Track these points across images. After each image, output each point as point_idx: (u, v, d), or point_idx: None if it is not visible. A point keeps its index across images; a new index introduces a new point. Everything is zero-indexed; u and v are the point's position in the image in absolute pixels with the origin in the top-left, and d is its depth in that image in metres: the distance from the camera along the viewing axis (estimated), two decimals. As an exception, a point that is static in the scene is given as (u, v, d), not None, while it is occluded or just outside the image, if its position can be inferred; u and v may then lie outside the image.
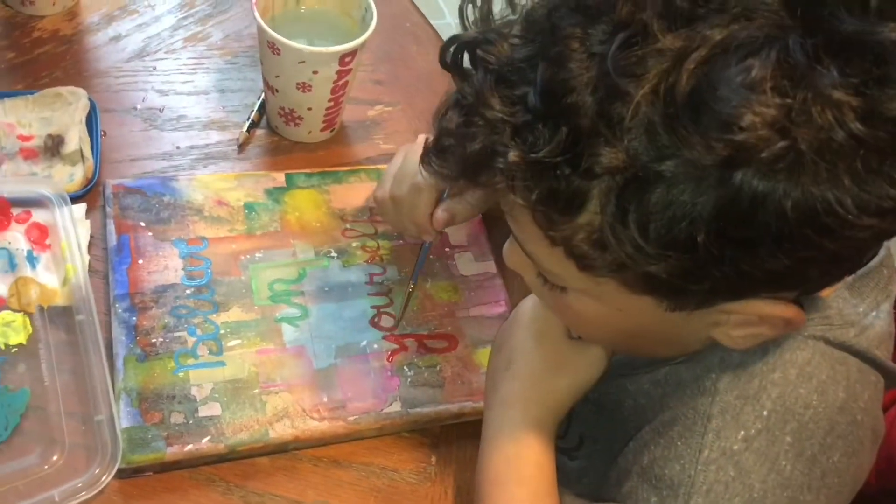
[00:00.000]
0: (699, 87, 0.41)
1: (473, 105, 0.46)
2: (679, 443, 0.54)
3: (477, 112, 0.46)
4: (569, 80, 0.43)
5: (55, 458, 0.63)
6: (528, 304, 0.66)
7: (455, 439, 0.71)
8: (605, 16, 0.43)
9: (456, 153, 0.48)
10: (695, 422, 0.54)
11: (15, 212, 0.74)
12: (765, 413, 0.52)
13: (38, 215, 0.74)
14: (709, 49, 0.41)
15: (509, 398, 0.62)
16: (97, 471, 0.62)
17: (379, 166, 0.85)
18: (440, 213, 0.71)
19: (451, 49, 0.49)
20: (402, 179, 0.72)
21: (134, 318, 0.70)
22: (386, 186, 0.74)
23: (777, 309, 0.50)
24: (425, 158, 0.52)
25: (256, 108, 0.86)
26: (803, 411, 0.52)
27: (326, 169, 0.84)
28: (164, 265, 0.73)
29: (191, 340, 0.70)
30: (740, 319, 0.51)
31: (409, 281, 0.75)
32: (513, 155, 0.44)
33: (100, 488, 0.62)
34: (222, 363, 0.69)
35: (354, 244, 0.79)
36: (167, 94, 0.87)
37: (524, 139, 0.44)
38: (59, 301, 0.70)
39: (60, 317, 0.70)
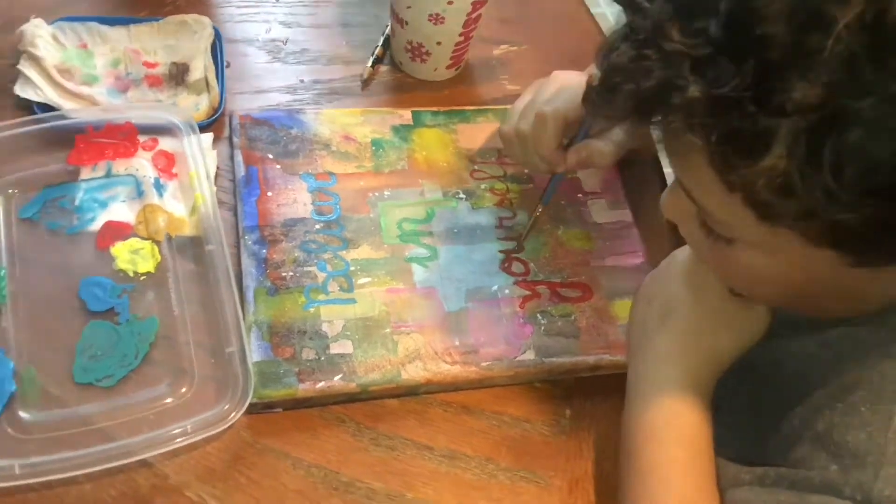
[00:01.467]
0: None
1: (649, 37, 0.43)
2: (863, 408, 0.49)
3: (653, 44, 0.43)
4: (759, 8, 0.39)
5: (184, 389, 0.62)
6: (682, 255, 0.62)
7: (590, 393, 0.68)
8: None
9: (626, 90, 0.45)
10: (882, 387, 0.49)
11: (142, 139, 0.72)
12: None
13: (165, 143, 0.72)
14: None
15: (668, 353, 0.58)
16: (227, 406, 0.60)
17: (506, 106, 0.81)
18: (574, 154, 0.67)
19: None
20: (528, 113, 0.69)
21: (264, 251, 0.68)
22: (512, 121, 0.70)
23: None
24: (589, 97, 0.49)
25: (381, 43, 0.83)
26: None
27: (453, 108, 0.80)
28: (294, 199, 0.71)
29: (321, 276, 0.67)
30: None
31: (538, 203, 0.72)
32: (693, 90, 0.41)
33: (229, 423, 0.60)
34: (353, 300, 0.67)
35: (483, 186, 0.76)
36: (290, 27, 0.84)
37: (705, 73, 0.41)
38: (188, 230, 0.69)
39: (189, 246, 0.68)
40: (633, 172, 0.79)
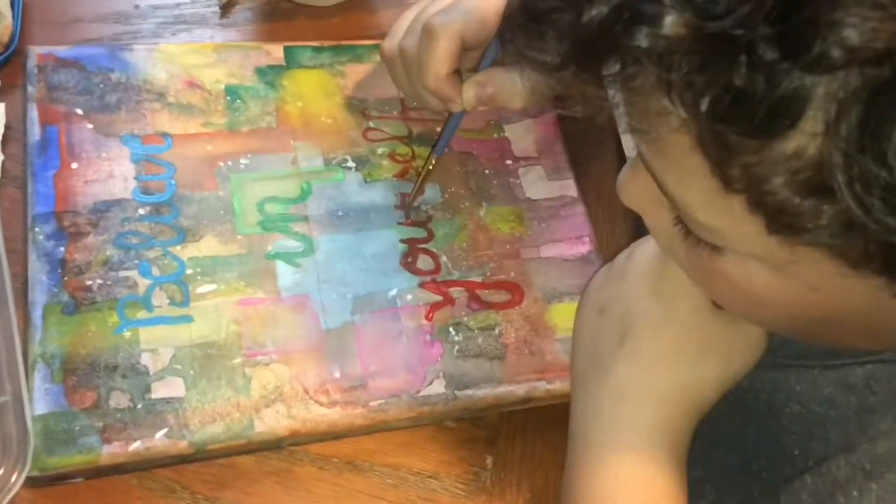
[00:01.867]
0: None
1: None
2: None
3: None
4: None
5: None
6: (646, 249, 0.45)
7: (520, 432, 0.51)
8: None
9: (562, 23, 0.29)
10: None
11: None
12: None
13: None
14: None
15: (629, 389, 0.43)
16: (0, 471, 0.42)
17: (415, 42, 0.61)
18: (473, 86, 0.50)
19: None
20: (416, 27, 0.50)
21: (61, 249, 0.48)
22: (396, 36, 0.52)
23: None
24: (507, 32, 0.32)
25: (247, -45, 0.63)
26: None
27: (342, 43, 0.60)
28: (109, 172, 0.51)
29: (143, 284, 0.48)
30: None
31: (431, 153, 0.54)
32: (673, 23, 0.26)
33: (6, 498, 0.42)
34: (188, 318, 0.48)
35: (380, 150, 0.56)
36: (123, -68, 0.63)
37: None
38: None
39: None
40: (579, 129, 0.60)
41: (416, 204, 0.55)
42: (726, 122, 0.27)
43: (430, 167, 0.55)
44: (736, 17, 0.25)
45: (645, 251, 0.45)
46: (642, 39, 0.26)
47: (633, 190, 0.38)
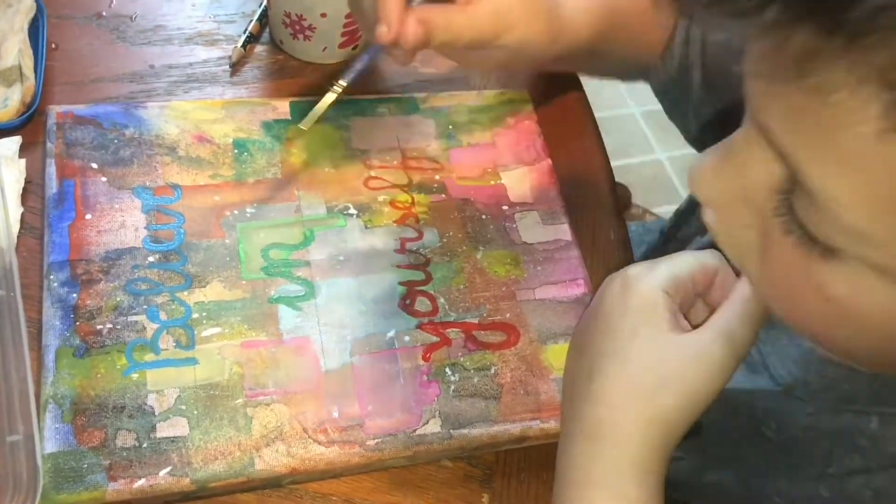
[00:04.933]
0: None
1: None
2: None
3: None
4: None
5: None
6: (616, 286, 0.45)
7: (515, 471, 0.52)
8: None
9: None
10: None
11: None
12: None
13: None
14: None
15: (597, 429, 0.43)
16: None
17: (415, 95, 0.64)
18: (416, 21, 0.47)
19: None
20: None
21: (74, 296, 0.50)
22: None
23: None
24: None
25: (257, 16, 0.66)
26: None
27: (346, 97, 0.63)
28: (121, 222, 0.54)
29: (151, 328, 0.50)
30: None
31: (337, 80, 0.53)
32: None
33: None
34: (193, 360, 0.50)
35: (381, 198, 0.59)
36: (139, -2, 0.66)
37: None
38: None
39: None
40: (574, 174, 0.62)
41: (305, 127, 0.52)
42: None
43: (336, 89, 0.53)
44: None
45: (612, 289, 0.45)
46: None
47: (716, 183, 0.35)
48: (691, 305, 0.45)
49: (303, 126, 0.53)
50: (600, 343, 0.44)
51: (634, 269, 0.45)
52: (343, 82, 0.53)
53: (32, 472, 0.44)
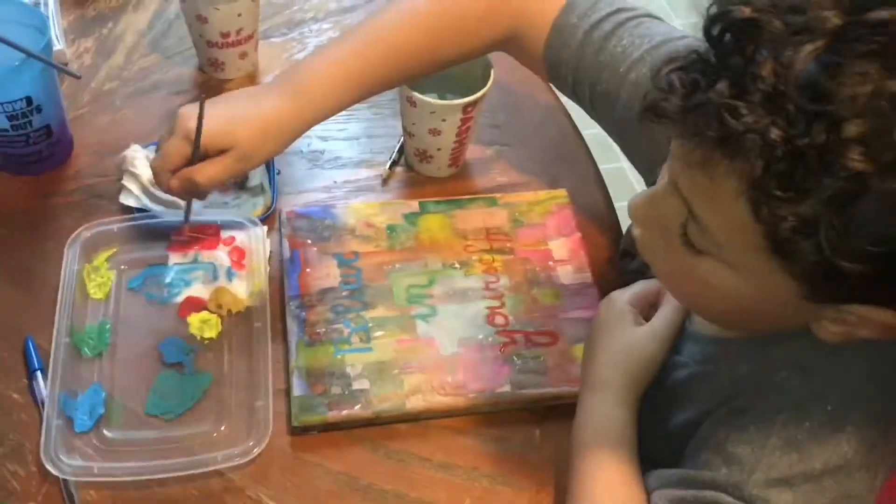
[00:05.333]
0: None
1: (745, 80, 0.46)
2: (752, 427, 0.61)
3: (753, 89, 0.45)
4: (836, 90, 0.43)
5: (223, 428, 0.79)
6: (604, 304, 0.80)
7: (556, 417, 0.82)
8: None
9: (710, 117, 0.46)
10: (764, 413, 0.61)
11: (224, 234, 0.94)
12: (829, 408, 0.58)
13: (239, 237, 0.94)
14: None
15: (594, 382, 0.76)
16: (251, 443, 0.77)
17: (494, 195, 1.02)
18: (174, 179, 0.76)
19: (717, 27, 0.48)
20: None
21: (303, 314, 0.90)
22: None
23: (891, 317, 0.51)
24: (653, 110, 0.51)
25: (396, 149, 1.06)
26: (866, 404, 0.58)
27: (452, 198, 1.01)
28: (326, 273, 0.93)
29: (346, 331, 0.88)
30: (844, 318, 0.53)
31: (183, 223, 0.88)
32: (776, 133, 0.44)
33: (251, 456, 0.77)
34: (370, 349, 0.87)
35: (474, 258, 0.96)
36: (327, 140, 1.07)
37: (792, 123, 0.44)
38: (244, 310, 0.89)
39: (244, 321, 0.86)
40: (594, 244, 0.99)
41: (185, 226, 0.88)
42: (773, 184, 0.44)
43: (184, 227, 0.88)
44: (807, 142, 0.43)
45: (602, 306, 0.79)
46: (751, 141, 0.44)
47: (646, 212, 0.58)
48: (650, 310, 0.80)
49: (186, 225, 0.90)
50: (596, 337, 0.79)
51: (613, 294, 0.80)
52: (185, 224, 0.89)
53: (266, 423, 0.77)
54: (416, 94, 0.94)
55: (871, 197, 0.44)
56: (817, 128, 0.43)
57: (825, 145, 0.43)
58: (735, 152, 0.46)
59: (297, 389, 0.84)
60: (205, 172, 0.76)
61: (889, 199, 0.43)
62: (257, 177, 1.01)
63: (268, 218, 0.98)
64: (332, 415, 0.82)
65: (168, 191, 0.78)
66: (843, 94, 0.43)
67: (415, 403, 0.84)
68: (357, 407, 0.83)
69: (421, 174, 1.04)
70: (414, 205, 1.00)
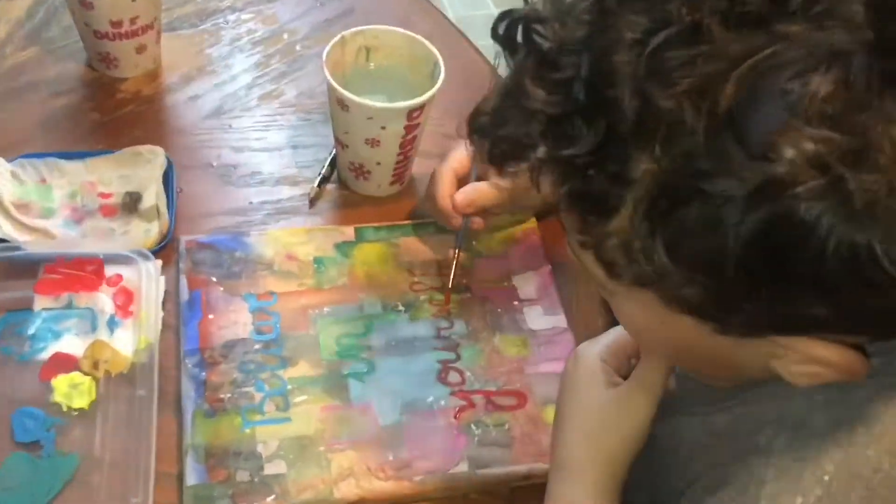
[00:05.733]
0: (742, 101, 0.38)
1: (511, 90, 0.45)
2: None
3: (513, 97, 0.44)
4: (612, 73, 0.40)
5: None
6: (571, 361, 0.63)
7: (526, 500, 0.68)
8: (666, 5, 0.40)
9: (488, 135, 0.47)
10: (747, 486, 0.50)
11: (108, 272, 0.75)
12: (826, 478, 0.48)
13: (127, 276, 0.75)
14: (764, 57, 0.38)
15: (562, 464, 0.60)
16: None
17: (448, 219, 0.84)
18: (458, 196, 0.76)
19: (504, 23, 0.46)
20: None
21: (203, 374, 0.70)
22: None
23: (833, 353, 0.45)
24: (466, 132, 0.50)
25: (327, 163, 0.87)
26: (872, 475, 0.48)
27: (395, 223, 0.83)
28: (234, 320, 0.74)
29: (258, 396, 0.70)
30: (797, 357, 0.46)
31: (455, 248, 0.79)
32: (542, 150, 0.43)
33: None
34: (288, 419, 0.69)
35: (422, 297, 0.78)
36: (242, 151, 0.89)
37: (557, 133, 0.42)
38: (127, 371, 0.70)
39: (126, 386, 0.69)
40: (567, 278, 0.81)
41: (452, 288, 0.78)
42: (576, 206, 0.44)
43: (456, 256, 0.79)
44: (577, 149, 0.41)
45: (569, 363, 0.63)
46: (526, 156, 0.44)
47: (570, 251, 0.53)
48: (628, 364, 0.62)
49: (451, 288, 0.78)
50: (563, 404, 0.62)
51: (582, 346, 0.63)
52: (458, 249, 0.79)
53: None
54: (350, 95, 0.76)
55: (681, 200, 0.40)
56: (587, 127, 0.41)
57: (603, 146, 0.41)
58: (519, 171, 0.47)
59: (191, 476, 0.65)
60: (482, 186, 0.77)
61: (699, 198, 0.39)
62: (152, 197, 0.81)
63: (163, 249, 0.79)
64: (237, 510, 0.63)
65: (448, 215, 0.79)
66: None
67: (346, 491, 0.66)
68: (270, 499, 0.65)
69: (357, 193, 0.87)
70: (348, 231, 0.81)
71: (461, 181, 0.78)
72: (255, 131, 0.90)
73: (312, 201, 0.85)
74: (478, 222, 0.79)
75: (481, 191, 0.76)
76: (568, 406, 0.62)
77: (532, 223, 0.85)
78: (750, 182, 0.38)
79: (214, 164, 0.88)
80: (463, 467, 0.68)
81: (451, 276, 0.78)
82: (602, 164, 0.41)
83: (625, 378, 0.62)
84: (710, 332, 0.46)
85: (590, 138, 0.41)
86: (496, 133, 0.46)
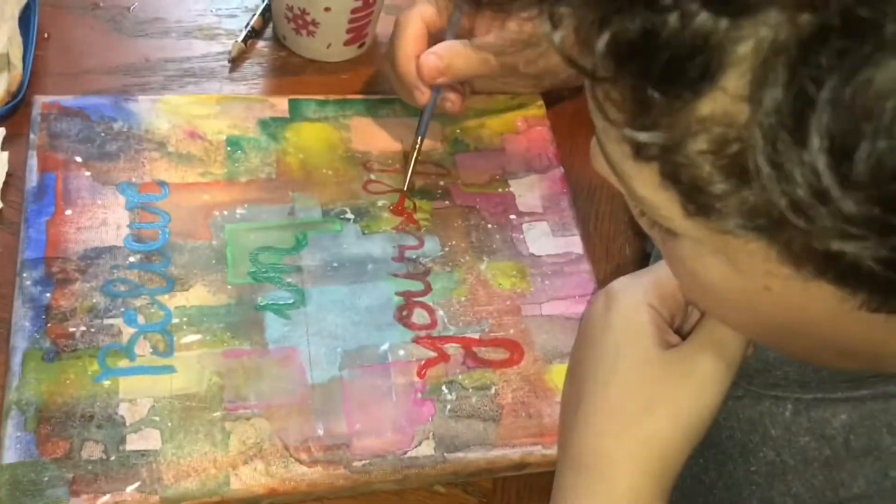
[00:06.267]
0: None
1: None
2: None
3: None
4: None
5: None
6: (599, 303, 0.43)
7: (514, 501, 0.48)
8: None
9: None
10: None
11: None
12: None
13: None
14: None
15: (584, 460, 0.40)
16: None
17: (422, 97, 0.61)
18: (428, 58, 0.53)
19: None
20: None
21: (47, 295, 0.47)
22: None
23: None
24: None
25: (260, 11, 0.63)
26: None
27: (348, 97, 0.60)
28: (103, 219, 0.51)
29: (127, 332, 0.47)
30: None
31: (417, 133, 0.56)
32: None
33: None
34: (171, 368, 0.46)
35: (381, 203, 0.55)
36: (140, -12, 0.64)
37: None
38: None
39: None
40: (588, 184, 0.59)
41: (408, 190, 0.56)
42: (629, 70, 0.23)
43: (417, 148, 0.56)
44: None
45: (596, 306, 0.43)
46: None
47: (598, 159, 0.33)
48: (686, 314, 0.42)
49: (406, 191, 0.56)
50: (586, 367, 0.42)
51: (618, 283, 0.42)
52: (419, 138, 0.56)
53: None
54: None
55: (873, 46, 0.20)
56: None
57: None
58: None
59: (10, 450, 0.42)
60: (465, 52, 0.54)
61: None
62: (2, 42, 0.56)
63: (11, 115, 0.54)
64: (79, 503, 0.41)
65: (411, 83, 0.54)
66: None
67: (248, 480, 0.44)
68: (131, 488, 0.42)
69: (298, 55, 0.62)
70: (280, 104, 0.58)
71: (434, 38, 0.54)
72: (161, -37, 0.65)
73: (234, 62, 0.62)
74: (452, 100, 0.55)
75: (459, 52, 0.53)
76: (592, 370, 0.41)
77: (538, 107, 0.61)
78: None
79: (101, 3, 0.63)
80: (426, 449, 0.46)
81: (409, 173, 0.56)
82: None
83: (681, 335, 0.40)
84: (854, 308, 0.27)
85: None
86: None
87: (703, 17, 0.21)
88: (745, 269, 0.29)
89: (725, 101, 0.23)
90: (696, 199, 0.25)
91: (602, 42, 0.23)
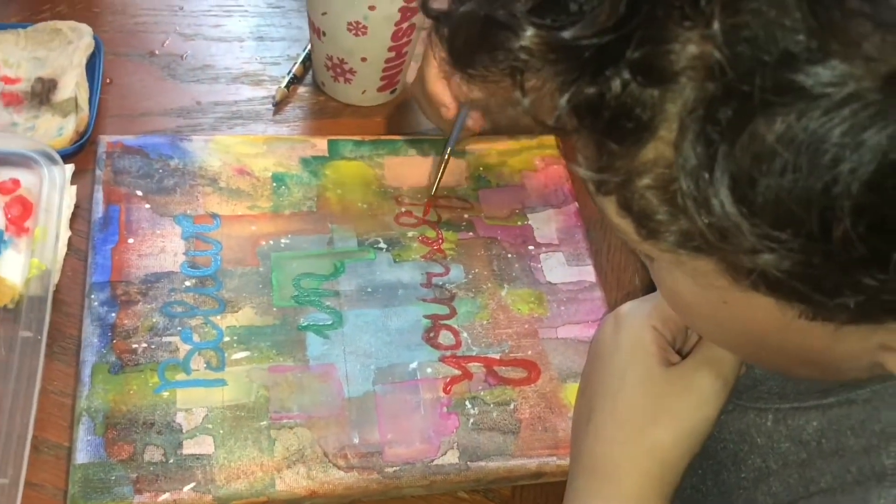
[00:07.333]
0: None
1: None
2: None
3: None
4: None
5: None
6: (609, 325, 0.47)
7: None
8: None
9: (446, 18, 0.31)
10: None
11: (2, 177, 0.57)
12: None
13: (27, 182, 0.57)
14: None
15: (595, 467, 0.44)
16: None
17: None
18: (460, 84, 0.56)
19: None
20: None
21: (113, 315, 0.53)
22: None
23: None
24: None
25: (301, 59, 0.69)
26: None
27: (381, 137, 0.65)
28: (161, 247, 0.56)
29: (184, 349, 0.52)
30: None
31: (445, 147, 0.62)
32: (529, 34, 0.27)
33: None
34: (222, 381, 0.51)
35: (411, 234, 0.60)
36: (193, 39, 0.70)
37: (551, 8, 0.27)
38: (12, 304, 0.53)
39: (7, 324, 0.52)
40: (601, 217, 0.63)
41: (435, 194, 0.62)
42: (586, 125, 0.28)
43: (446, 158, 0.62)
44: (585, 29, 0.26)
45: (605, 328, 0.47)
46: (506, 44, 0.28)
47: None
48: (686, 336, 0.46)
49: (433, 196, 0.62)
50: (597, 382, 0.46)
51: (626, 307, 0.47)
52: (449, 147, 0.62)
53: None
54: (328, -40, 0.57)
55: (758, 106, 0.25)
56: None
57: (630, 19, 0.25)
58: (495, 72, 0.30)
59: (82, 452, 0.47)
60: None
61: (791, 102, 0.24)
62: (70, 86, 0.63)
63: (78, 152, 0.60)
64: (142, 501, 0.47)
65: (440, 104, 0.60)
66: None
67: (291, 482, 0.48)
68: (188, 488, 0.47)
69: (335, 100, 0.68)
70: (320, 144, 0.63)
71: None
72: (211, 16, 0.72)
73: (278, 106, 0.67)
74: (475, 118, 0.61)
75: None
76: (602, 385, 0.45)
77: (555, 148, 0.67)
78: (885, 66, 0.24)
79: (157, 51, 0.69)
80: (451, 458, 0.51)
81: (437, 181, 0.62)
82: (625, 50, 0.26)
83: (681, 355, 0.45)
84: (795, 318, 0.31)
85: (604, 8, 0.26)
86: (458, 10, 0.30)
87: (634, 86, 0.26)
88: (703, 285, 0.33)
89: (663, 147, 0.27)
90: (646, 225, 0.30)
91: (564, 100, 0.28)
